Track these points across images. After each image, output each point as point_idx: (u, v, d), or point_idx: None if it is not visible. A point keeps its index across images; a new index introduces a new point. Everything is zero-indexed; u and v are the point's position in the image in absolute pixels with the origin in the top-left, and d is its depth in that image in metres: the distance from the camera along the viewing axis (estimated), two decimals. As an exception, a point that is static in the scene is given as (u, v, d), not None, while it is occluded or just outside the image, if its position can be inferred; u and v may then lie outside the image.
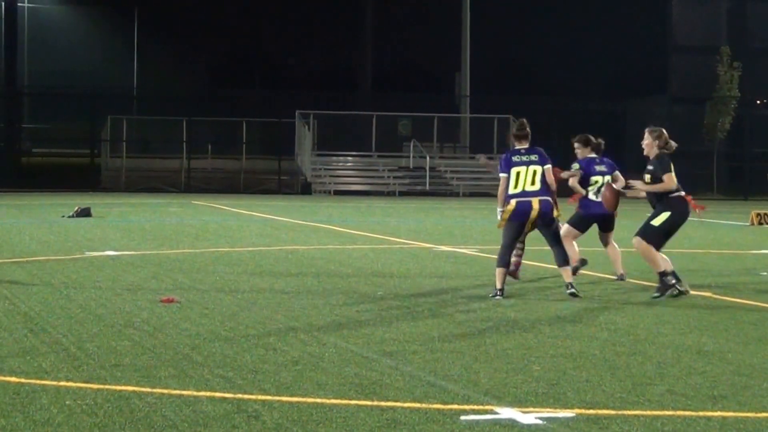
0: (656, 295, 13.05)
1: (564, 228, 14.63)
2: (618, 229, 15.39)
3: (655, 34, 60.87)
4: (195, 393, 7.70)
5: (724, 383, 8.35)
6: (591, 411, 7.38)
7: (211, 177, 52.94)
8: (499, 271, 13.19)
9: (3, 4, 58.91)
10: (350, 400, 7.59)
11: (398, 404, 7.46)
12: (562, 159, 13.56)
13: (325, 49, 76.64)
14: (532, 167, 13.13)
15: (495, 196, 14.97)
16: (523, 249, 14.73)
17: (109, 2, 72.59)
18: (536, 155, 13.23)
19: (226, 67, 78.82)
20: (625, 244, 16.12)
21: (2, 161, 52.40)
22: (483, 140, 54.39)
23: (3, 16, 59.02)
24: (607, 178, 14.81)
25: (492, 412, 7.33)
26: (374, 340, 9.94)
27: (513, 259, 14.09)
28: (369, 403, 7.49)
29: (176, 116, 53.34)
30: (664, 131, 13.39)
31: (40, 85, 64.33)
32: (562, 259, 13.22)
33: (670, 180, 13.01)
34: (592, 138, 15.21)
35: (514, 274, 14.52)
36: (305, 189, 50.39)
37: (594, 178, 14.84)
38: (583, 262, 14.80)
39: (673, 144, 13.29)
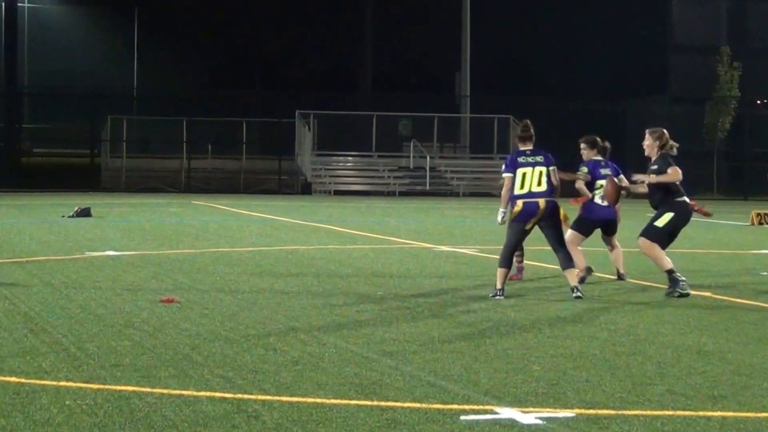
0: (669, 291, 13.01)
1: (568, 234, 14.61)
2: (620, 228, 15.38)
3: (655, 34, 60.87)
4: (195, 393, 7.70)
5: (724, 383, 8.35)
6: (591, 411, 7.38)
7: (211, 177, 52.96)
8: (500, 272, 13.18)
9: (3, 4, 58.91)
10: (350, 400, 7.59)
11: (398, 404, 7.46)
12: (562, 159, 13.54)
13: (325, 49, 76.61)
14: (538, 168, 13.13)
15: (495, 196, 14.97)
16: (522, 254, 14.72)
17: (109, 2, 72.58)
18: (542, 156, 13.24)
19: (226, 67, 78.79)
20: (625, 243, 16.13)
21: (2, 161, 52.41)
22: (483, 140, 54.41)
23: (3, 16, 59.03)
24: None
25: (492, 412, 7.33)
26: (374, 340, 9.94)
27: (515, 264, 14.09)
28: (369, 403, 7.49)
29: (176, 116, 53.36)
30: (665, 132, 13.38)
31: (40, 85, 64.31)
32: (566, 262, 13.19)
33: (676, 172, 13.01)
34: (599, 140, 15.19)
35: (516, 278, 14.54)
36: (305, 189, 50.40)
37: (599, 182, 14.80)
38: (588, 271, 14.72)
39: (674, 144, 13.28)
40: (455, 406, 7.43)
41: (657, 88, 58.78)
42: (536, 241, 14.93)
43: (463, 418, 7.13)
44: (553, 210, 13.13)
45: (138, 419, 6.97)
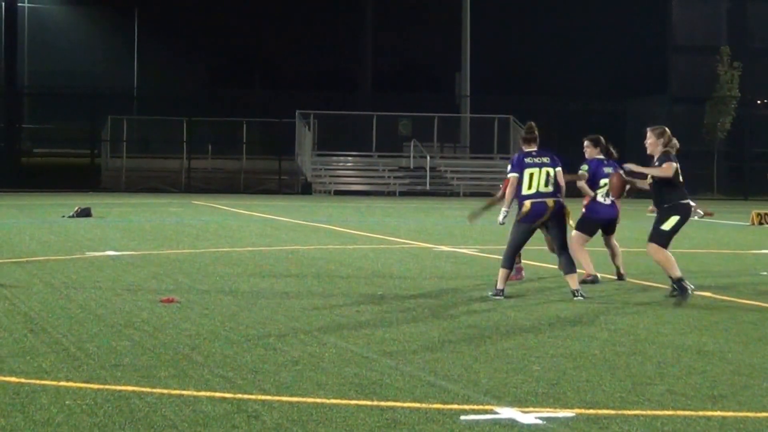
0: (676, 298, 12.82)
1: (573, 234, 14.60)
2: (619, 228, 15.38)
3: (655, 34, 60.83)
4: (195, 393, 7.70)
5: (724, 383, 8.35)
6: (591, 411, 7.38)
7: (212, 177, 52.96)
8: (502, 272, 13.17)
9: (3, 4, 58.90)
10: (350, 400, 7.59)
11: (398, 404, 7.47)
12: (562, 159, 13.52)
13: (325, 49, 76.62)
14: (545, 169, 13.14)
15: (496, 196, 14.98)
16: (520, 254, 14.69)
17: (109, 2, 72.58)
18: (548, 157, 13.25)
19: (226, 67, 78.81)
20: (625, 243, 16.13)
21: (2, 161, 52.40)
22: (483, 140, 54.40)
23: (3, 16, 59.01)
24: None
25: (492, 412, 7.33)
26: (374, 340, 9.94)
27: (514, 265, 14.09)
28: (369, 403, 7.49)
29: (176, 116, 53.35)
30: (667, 129, 13.34)
31: (40, 85, 64.29)
32: (568, 267, 13.17)
33: (669, 167, 12.89)
34: (603, 139, 15.21)
35: (516, 279, 14.54)
36: (305, 189, 50.40)
37: (603, 181, 14.80)
38: (594, 280, 14.67)
39: (676, 142, 13.24)
40: (455, 406, 7.43)
41: (657, 88, 58.76)
42: (536, 242, 14.93)
43: (463, 418, 7.13)
44: (559, 210, 13.15)
45: (138, 419, 6.97)
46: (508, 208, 13.31)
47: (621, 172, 14.23)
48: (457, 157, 55.55)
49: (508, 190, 13.32)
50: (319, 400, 7.54)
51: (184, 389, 7.81)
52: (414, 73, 74.39)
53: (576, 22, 64.49)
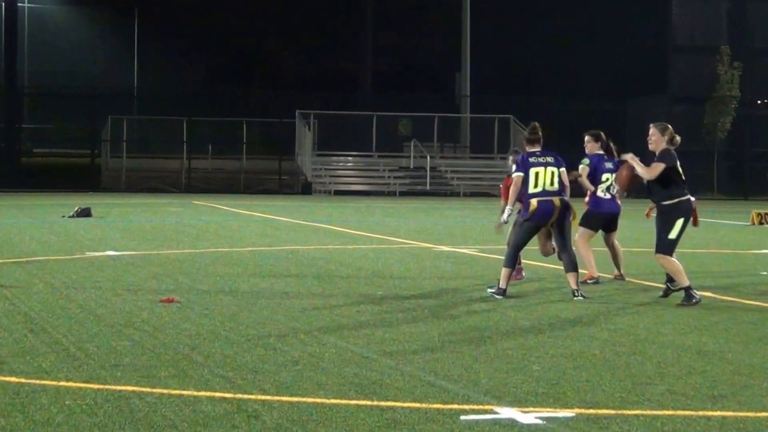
0: (682, 303, 12.66)
1: (578, 231, 14.61)
2: (619, 228, 15.38)
3: (655, 34, 60.83)
4: (195, 393, 7.70)
5: (723, 383, 8.35)
6: (591, 411, 7.38)
7: (212, 177, 52.97)
8: (505, 271, 13.15)
9: (3, 4, 58.89)
10: (350, 400, 7.59)
11: (398, 404, 7.47)
12: (562, 159, 13.53)
13: (325, 49, 76.60)
14: (550, 168, 13.17)
15: (496, 195, 14.96)
16: (520, 256, 14.68)
17: (109, 2, 72.55)
18: (552, 157, 13.28)
19: (226, 66, 78.79)
20: (625, 243, 16.13)
21: (2, 161, 52.42)
22: (483, 140, 54.41)
23: (3, 16, 59.01)
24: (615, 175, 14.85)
25: (492, 411, 7.33)
26: (374, 340, 9.94)
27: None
28: (369, 403, 7.49)
29: (176, 116, 53.37)
30: (670, 126, 13.29)
31: (40, 85, 64.29)
32: (570, 265, 13.17)
33: (656, 169, 12.76)
34: (603, 135, 15.25)
35: (516, 279, 14.53)
36: (305, 189, 50.40)
37: (605, 176, 14.86)
38: (596, 281, 14.66)
39: (678, 140, 13.18)
40: (455, 406, 7.43)
41: (657, 88, 58.75)
42: (537, 242, 14.92)
43: (463, 418, 7.13)
44: (566, 209, 13.16)
45: (138, 419, 6.97)
46: (513, 206, 13.35)
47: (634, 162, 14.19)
48: (458, 157, 55.56)
49: (512, 189, 13.33)
50: (319, 400, 7.54)
51: (184, 389, 7.81)
52: (414, 73, 74.37)
53: (576, 23, 64.48)
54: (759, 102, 59.46)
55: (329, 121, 53.61)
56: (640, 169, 12.90)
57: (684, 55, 59.26)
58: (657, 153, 13.08)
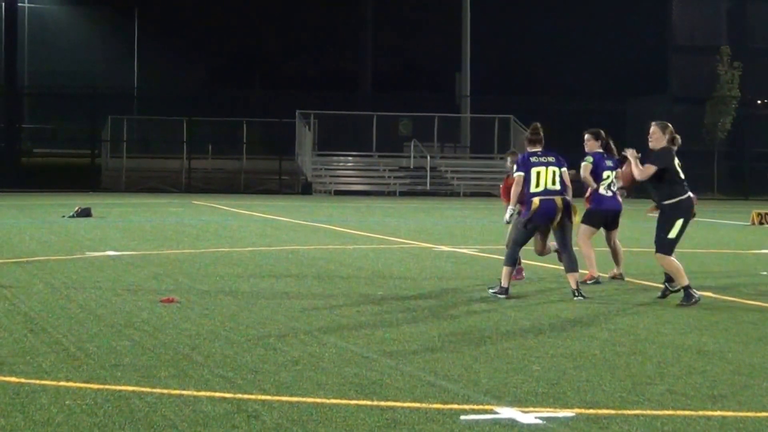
0: (681, 303, 12.60)
1: (581, 229, 14.61)
2: (620, 228, 15.38)
3: (655, 34, 60.83)
4: (195, 393, 7.70)
5: (724, 383, 8.35)
6: (591, 411, 7.38)
7: (212, 177, 52.95)
8: (506, 270, 13.14)
9: (3, 4, 58.89)
10: (350, 400, 7.59)
11: (398, 404, 7.47)
12: (564, 158, 13.54)
13: (325, 49, 76.64)
14: (551, 168, 13.18)
15: (496, 195, 14.96)
16: (520, 256, 14.67)
17: (109, 2, 72.59)
18: (553, 157, 13.29)
19: (227, 67, 78.82)
20: (625, 243, 16.12)
21: (2, 161, 52.40)
22: (484, 140, 54.40)
23: (3, 16, 59.00)
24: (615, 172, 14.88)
25: (492, 411, 7.33)
26: (374, 340, 9.94)
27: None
28: (369, 403, 7.50)
29: (176, 116, 53.36)
30: (670, 125, 13.26)
31: (40, 85, 64.31)
32: (570, 265, 13.17)
33: (647, 171, 12.71)
34: (603, 134, 15.26)
35: (516, 279, 14.53)
36: (306, 189, 50.39)
37: (605, 173, 14.88)
38: (596, 281, 14.65)
39: (679, 139, 13.14)
40: (455, 406, 7.43)
41: (657, 88, 58.75)
42: (533, 241, 14.90)
43: (463, 418, 7.13)
44: (568, 209, 13.16)
45: (138, 419, 6.97)
46: (515, 206, 13.35)
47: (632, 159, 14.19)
48: (458, 157, 55.55)
49: (513, 189, 13.33)
50: (319, 400, 7.54)
51: (184, 389, 7.81)
52: (414, 73, 74.41)
53: (576, 23, 64.49)
54: (759, 102, 59.47)
55: (329, 121, 53.59)
56: (634, 168, 12.89)
57: (684, 55, 59.25)
58: (654, 152, 13.03)
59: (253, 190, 50.47)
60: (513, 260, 13.27)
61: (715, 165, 53.25)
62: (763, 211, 30.62)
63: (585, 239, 14.75)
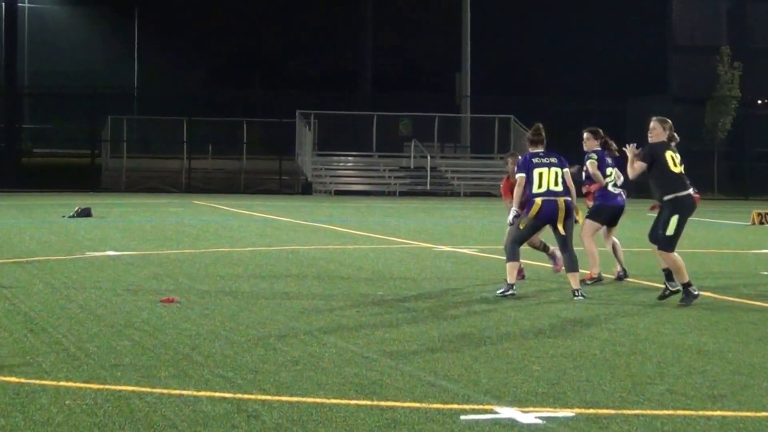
0: (683, 303, 12.57)
1: (585, 224, 14.59)
2: (620, 228, 15.38)
3: (655, 34, 60.83)
4: (195, 393, 7.70)
5: (724, 383, 8.35)
6: (591, 410, 7.38)
7: (212, 177, 52.94)
8: (510, 266, 13.09)
9: (3, 4, 58.88)
10: (350, 400, 7.59)
11: (398, 404, 7.46)
12: (565, 159, 13.53)
13: (325, 49, 76.63)
14: (553, 169, 13.16)
15: (496, 195, 14.94)
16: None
17: (109, 2, 72.57)
18: (555, 158, 13.27)
19: (227, 67, 78.81)
20: (625, 243, 16.12)
21: (2, 161, 52.40)
22: (484, 140, 54.40)
23: (3, 16, 59.00)
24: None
25: (492, 411, 7.33)
26: (374, 340, 9.94)
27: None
28: (369, 403, 7.49)
29: (177, 116, 53.35)
30: (670, 121, 13.22)
31: (40, 85, 64.29)
32: (571, 264, 13.16)
33: (637, 169, 12.65)
34: (602, 132, 15.27)
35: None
36: (306, 189, 50.38)
37: (608, 170, 14.89)
38: (599, 279, 14.65)
39: (676, 135, 13.10)
40: (455, 406, 7.43)
41: (657, 87, 58.76)
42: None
43: (463, 417, 7.13)
44: (569, 211, 13.13)
45: (138, 419, 6.97)
46: (518, 207, 13.29)
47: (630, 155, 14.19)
48: (458, 157, 55.54)
49: (516, 191, 13.31)
50: (319, 400, 7.54)
51: (184, 389, 7.81)
52: (414, 73, 74.40)
53: (576, 23, 64.49)
54: (759, 102, 59.46)
55: (329, 121, 53.59)
56: (628, 167, 12.88)
57: (684, 55, 59.24)
58: (643, 148, 12.93)
59: (253, 190, 50.46)
60: (515, 256, 13.21)
61: (716, 165, 53.24)
62: (763, 211, 30.62)
63: (588, 236, 14.73)
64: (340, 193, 49.92)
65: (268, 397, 7.61)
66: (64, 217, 27.78)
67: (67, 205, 32.42)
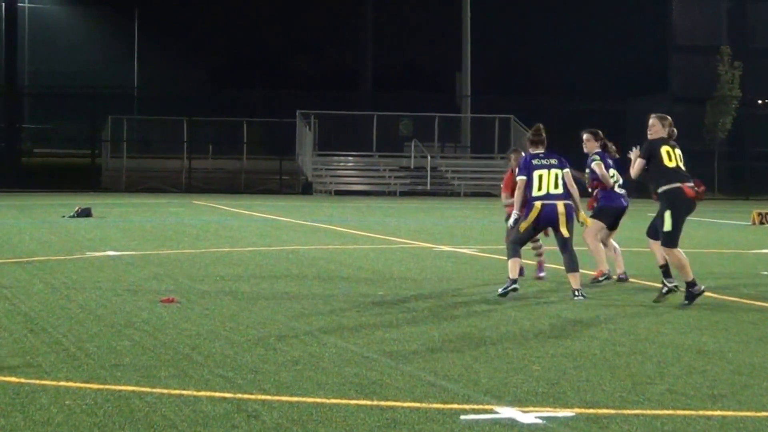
0: (685, 303, 12.56)
1: (589, 224, 14.54)
2: (620, 228, 15.38)
3: (655, 34, 60.84)
4: (195, 393, 7.70)
5: (724, 382, 8.35)
6: (591, 410, 7.38)
7: (212, 177, 52.97)
8: (511, 263, 13.04)
9: (3, 4, 58.90)
10: (350, 399, 7.59)
11: (398, 404, 7.46)
12: (566, 159, 13.51)
13: (325, 49, 76.63)
14: (553, 170, 13.11)
15: (496, 195, 14.93)
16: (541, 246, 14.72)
17: (109, 2, 72.56)
18: (555, 159, 13.22)
19: (227, 66, 78.79)
20: (625, 244, 16.11)
21: (2, 161, 52.43)
22: (484, 140, 54.42)
23: (3, 16, 59.02)
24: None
25: (492, 411, 7.33)
26: (374, 340, 9.94)
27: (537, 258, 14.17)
28: (369, 403, 7.49)
29: (177, 116, 53.37)
30: (669, 117, 13.20)
31: (41, 85, 64.30)
32: (571, 264, 13.14)
33: (637, 167, 12.67)
34: (601, 133, 15.26)
35: (538, 274, 14.60)
36: (306, 189, 50.41)
37: (611, 171, 14.87)
38: (607, 277, 14.64)
39: (675, 132, 13.07)
40: (455, 406, 7.43)
41: (657, 87, 58.77)
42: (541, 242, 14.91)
43: (463, 417, 7.13)
44: (570, 215, 13.10)
45: (138, 419, 6.97)
46: (519, 211, 13.22)
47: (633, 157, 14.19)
48: (458, 157, 55.55)
49: (516, 194, 13.26)
50: (319, 400, 7.54)
51: (184, 389, 7.81)
52: (414, 73, 74.37)
53: (576, 22, 64.50)
54: (760, 102, 59.47)
55: (330, 121, 53.61)
56: (631, 168, 12.86)
57: (684, 55, 59.24)
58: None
59: (253, 190, 50.48)
60: (516, 253, 13.17)
61: (716, 165, 53.25)
62: (763, 211, 30.62)
63: (593, 236, 14.69)
64: (340, 193, 49.92)
65: (268, 397, 7.61)
66: (64, 217, 27.78)
67: (67, 205, 32.43)
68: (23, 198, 41.13)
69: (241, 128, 54.29)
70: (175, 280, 14.36)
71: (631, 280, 15.01)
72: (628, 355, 9.44)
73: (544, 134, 13.44)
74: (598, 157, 14.87)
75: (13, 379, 8.07)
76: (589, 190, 15.00)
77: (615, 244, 15.17)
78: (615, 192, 14.88)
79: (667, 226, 12.56)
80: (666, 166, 12.59)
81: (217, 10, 76.15)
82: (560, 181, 13.11)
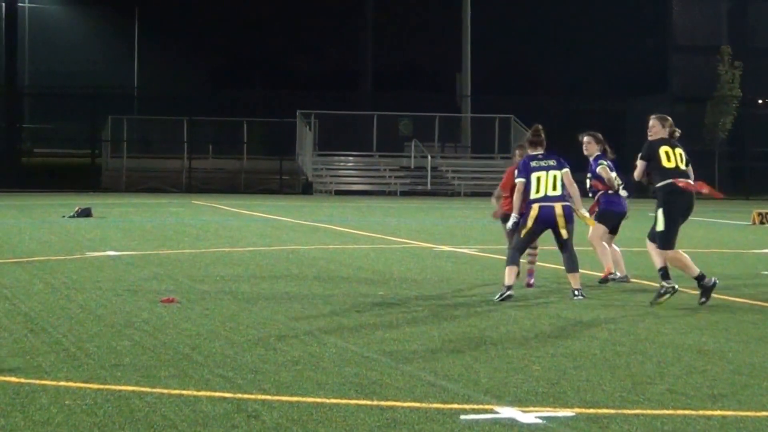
0: (702, 300, 12.50)
1: (594, 229, 14.49)
2: (621, 228, 15.37)
3: (655, 34, 60.84)
4: (195, 393, 7.70)
5: (724, 382, 8.35)
6: (591, 410, 7.38)
7: (212, 177, 52.97)
8: (509, 270, 13.03)
9: (3, 4, 58.89)
10: (350, 399, 7.59)
11: (398, 404, 7.46)
12: (566, 160, 13.48)
13: (325, 49, 76.60)
14: (552, 172, 13.08)
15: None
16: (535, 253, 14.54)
17: (109, 2, 72.55)
18: (554, 160, 13.19)
19: (227, 66, 78.77)
20: (625, 243, 16.11)
21: (3, 161, 52.42)
22: (484, 140, 54.42)
23: (3, 16, 59.01)
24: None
25: (492, 411, 7.33)
26: (374, 340, 9.94)
27: (528, 266, 14.07)
28: (369, 402, 7.49)
29: (177, 116, 53.37)
30: (670, 118, 13.18)
31: (41, 85, 64.31)
32: (571, 264, 13.13)
33: (639, 169, 12.65)
34: (600, 136, 15.23)
35: (528, 280, 14.45)
36: (306, 189, 50.41)
37: (613, 174, 14.85)
38: (614, 277, 14.64)
39: (678, 132, 13.04)
40: (455, 406, 7.43)
41: (658, 87, 58.76)
42: (542, 242, 14.88)
43: (463, 417, 7.13)
44: (569, 216, 13.08)
45: (138, 419, 6.97)
46: (518, 213, 13.17)
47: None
48: (458, 157, 55.56)
49: (515, 196, 13.23)
50: (319, 400, 7.54)
51: (184, 389, 7.81)
52: (414, 73, 74.35)
53: (576, 22, 64.50)
54: (760, 102, 59.47)
55: (330, 120, 53.61)
56: (635, 172, 12.83)
57: (684, 54, 59.24)
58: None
59: (253, 190, 50.48)
60: (515, 260, 13.18)
61: (716, 165, 53.24)
62: (763, 211, 30.61)
63: (597, 238, 14.65)
64: (340, 192, 49.92)
65: (268, 397, 7.61)
66: (64, 217, 27.78)
67: (67, 205, 32.43)
68: (23, 198, 41.13)
69: (241, 128, 54.29)
70: (175, 280, 14.36)
71: (631, 280, 15.01)
72: (628, 355, 9.44)
73: (543, 135, 13.41)
74: (604, 162, 14.78)
75: (13, 379, 8.07)
76: (590, 195, 14.97)
77: (616, 247, 15.15)
78: (617, 196, 14.85)
79: (660, 225, 12.49)
80: (664, 167, 12.57)
81: (217, 10, 76.13)
82: (558, 183, 13.09)
